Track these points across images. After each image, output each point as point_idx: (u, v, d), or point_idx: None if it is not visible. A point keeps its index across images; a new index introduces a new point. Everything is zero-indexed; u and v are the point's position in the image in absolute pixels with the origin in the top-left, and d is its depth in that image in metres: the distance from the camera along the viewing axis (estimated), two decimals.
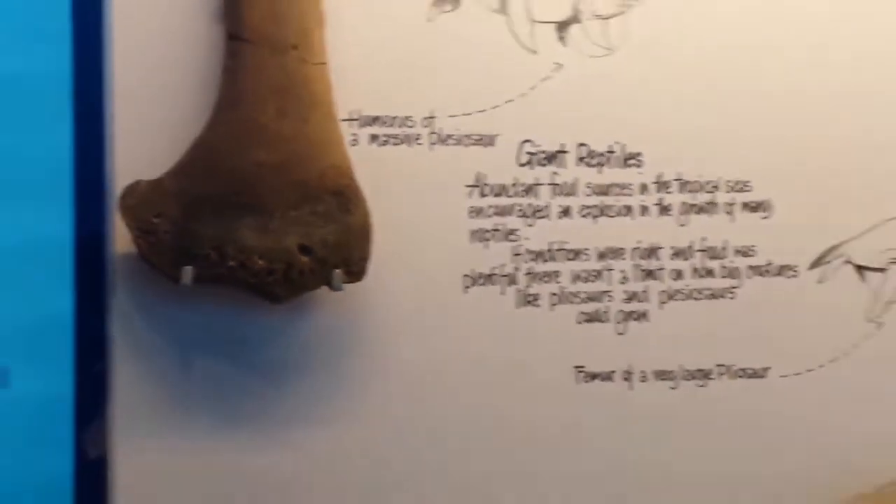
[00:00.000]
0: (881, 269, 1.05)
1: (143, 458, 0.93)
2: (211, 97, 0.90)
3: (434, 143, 0.97)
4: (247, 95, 0.90)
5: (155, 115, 0.92)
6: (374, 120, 0.96)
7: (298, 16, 0.90)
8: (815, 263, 1.05)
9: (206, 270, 0.87)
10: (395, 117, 0.97)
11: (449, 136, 0.98)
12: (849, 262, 1.06)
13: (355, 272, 0.90)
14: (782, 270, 1.05)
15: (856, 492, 1.01)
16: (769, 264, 1.05)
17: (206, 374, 0.94)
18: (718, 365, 1.05)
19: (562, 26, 0.99)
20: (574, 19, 0.99)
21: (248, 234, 0.88)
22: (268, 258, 0.87)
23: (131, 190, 0.86)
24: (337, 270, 0.89)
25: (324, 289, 0.90)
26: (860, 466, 1.03)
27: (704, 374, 1.04)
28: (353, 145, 0.94)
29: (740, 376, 1.05)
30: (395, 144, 0.97)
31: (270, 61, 0.90)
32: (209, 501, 0.95)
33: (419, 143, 0.97)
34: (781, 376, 1.06)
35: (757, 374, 1.05)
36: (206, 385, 0.94)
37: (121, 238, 0.89)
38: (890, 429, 1.05)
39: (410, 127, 0.97)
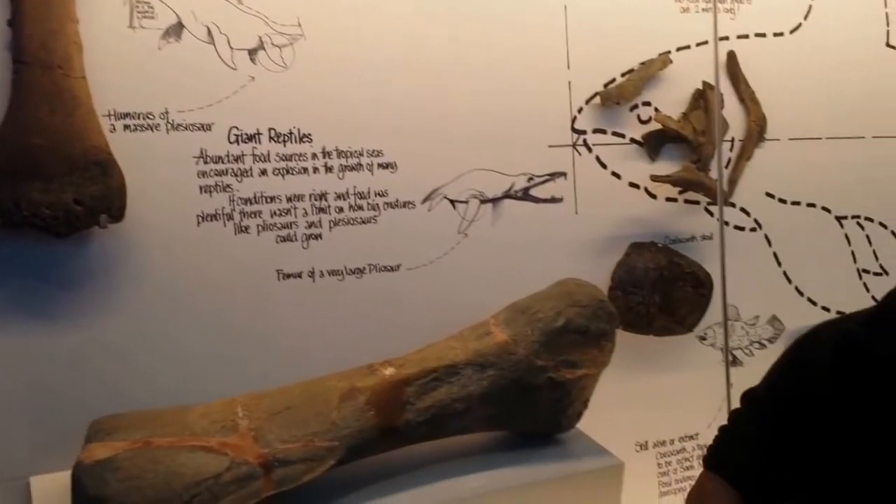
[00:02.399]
0: (465, 201, 1.79)
1: None
2: (5, 103, 1.39)
3: (170, 130, 1.54)
4: (28, 100, 1.39)
5: None
6: (126, 115, 1.51)
7: (62, 45, 1.40)
8: (426, 199, 1.76)
9: (9, 219, 1.39)
10: (140, 113, 1.52)
11: (179, 125, 1.55)
12: (446, 197, 1.78)
13: (116, 216, 1.45)
14: (406, 204, 1.74)
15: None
16: (397, 201, 1.73)
17: (16, 284, 1.47)
18: (369, 264, 1.72)
19: (252, 52, 1.60)
20: (260, 47, 1.60)
21: (36, 194, 1.40)
22: (52, 209, 1.41)
23: None
24: (103, 215, 1.44)
25: (95, 227, 1.45)
26: (454, 323, 1.72)
27: (360, 270, 1.72)
28: (112, 132, 1.48)
29: (382, 270, 1.73)
30: (142, 131, 1.52)
31: (43, 77, 1.39)
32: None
33: (159, 130, 1.53)
34: (408, 269, 1.76)
35: (393, 269, 1.74)
36: (14, 294, 1.46)
37: None
38: (470, 297, 1.75)
39: (151, 119, 1.53)
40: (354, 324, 1.70)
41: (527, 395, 1.49)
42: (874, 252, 2.27)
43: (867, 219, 2.26)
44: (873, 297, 2.27)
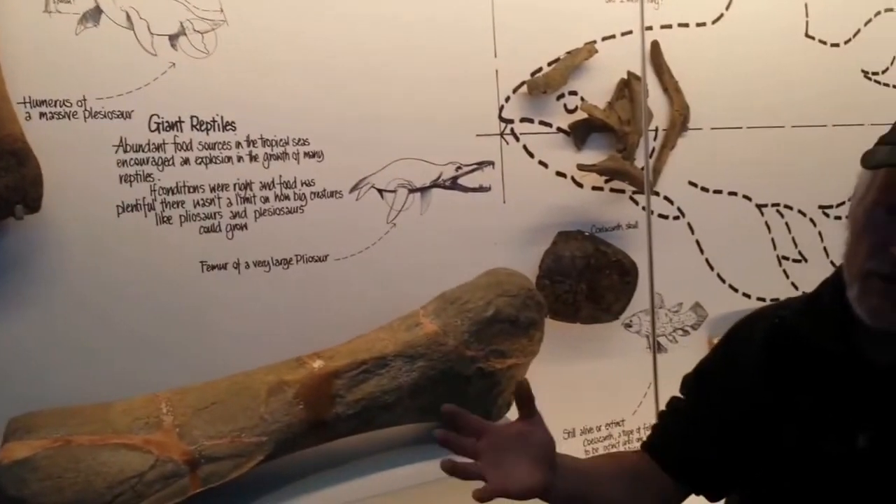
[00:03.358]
0: (393, 191, 1.82)
1: None
2: None
3: (88, 118, 1.53)
4: None
5: None
6: (42, 102, 1.49)
7: None
8: (353, 188, 1.79)
9: None
10: (56, 100, 1.50)
11: (98, 113, 1.54)
12: (374, 187, 1.81)
13: (32, 207, 1.43)
14: (333, 194, 1.77)
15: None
16: (324, 190, 1.75)
17: None
18: (296, 254, 1.74)
19: (173, 38, 1.59)
20: (181, 32, 1.60)
21: None
22: None
23: None
24: (18, 206, 1.42)
25: (10, 219, 1.43)
26: (384, 314, 1.76)
27: (287, 261, 1.73)
28: (28, 120, 1.47)
29: (310, 261, 1.75)
30: (59, 119, 1.51)
31: None
32: None
33: (76, 118, 1.52)
34: (336, 260, 1.78)
35: (321, 259, 1.76)
36: None
37: None
38: (400, 288, 1.80)
39: (69, 107, 1.51)
40: (282, 316, 1.71)
41: (457, 385, 1.54)
42: (793, 239, 2.39)
43: (787, 206, 2.37)
44: (793, 284, 2.39)
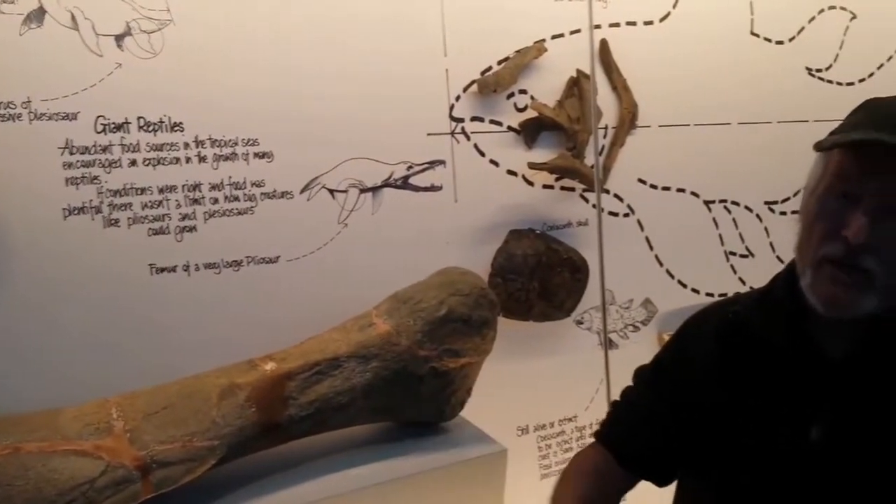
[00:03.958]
0: (344, 191, 1.84)
1: None
2: None
3: (32, 120, 1.52)
4: None
5: None
6: None
7: None
8: (304, 189, 1.80)
9: None
10: (0, 102, 1.49)
11: (43, 114, 1.53)
12: (325, 187, 1.83)
13: None
14: (283, 194, 1.78)
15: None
16: (275, 191, 1.77)
17: None
18: (247, 256, 1.75)
19: (119, 38, 1.59)
20: (127, 33, 1.60)
21: None
22: None
23: None
24: None
25: None
26: (337, 314, 1.78)
27: (238, 263, 1.74)
28: None
29: (261, 262, 1.77)
30: (3, 121, 1.50)
31: None
32: None
33: (21, 120, 1.51)
34: (288, 260, 1.80)
35: (272, 261, 1.78)
36: None
37: None
38: (352, 288, 1.83)
39: (13, 108, 1.51)
40: (233, 318, 1.73)
41: (410, 385, 1.57)
42: (740, 235, 2.46)
43: (734, 203, 2.45)
44: (741, 279, 2.47)
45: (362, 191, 1.83)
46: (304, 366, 1.48)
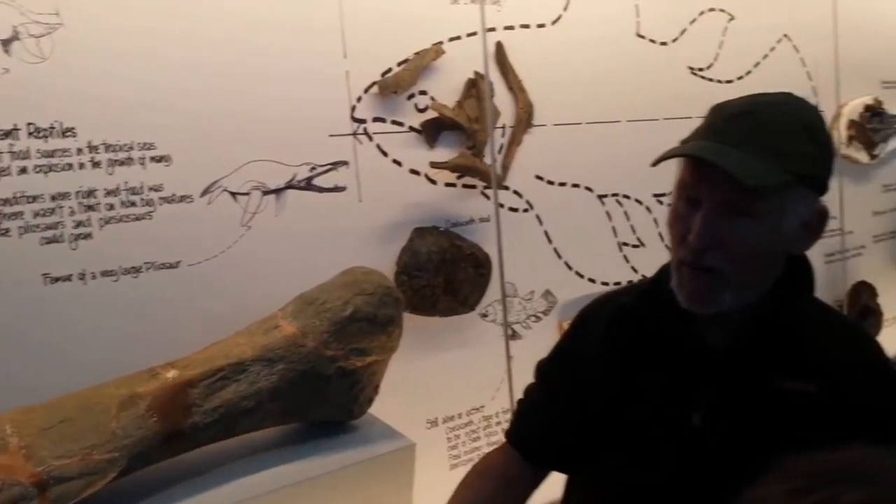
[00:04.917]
0: (246, 193, 1.76)
1: None
2: None
3: None
4: None
5: None
6: None
7: None
8: (205, 192, 1.71)
9: None
10: None
11: None
12: (226, 190, 1.74)
13: None
14: (183, 198, 1.69)
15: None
16: (173, 195, 1.67)
17: None
18: (146, 262, 1.65)
19: (6, 42, 1.47)
20: (14, 37, 1.48)
21: None
22: None
23: None
24: None
25: None
26: (241, 318, 1.70)
27: (137, 269, 1.64)
28: None
29: (161, 268, 1.67)
30: None
31: None
32: None
33: None
34: (189, 265, 1.71)
35: (172, 266, 1.68)
36: None
37: None
38: (257, 291, 1.75)
39: None
40: (133, 326, 1.63)
41: (318, 386, 1.50)
42: (632, 226, 2.48)
43: (625, 196, 2.46)
44: (633, 268, 2.49)
45: (265, 193, 1.75)
46: (208, 372, 1.40)
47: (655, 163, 1.04)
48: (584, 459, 1.23)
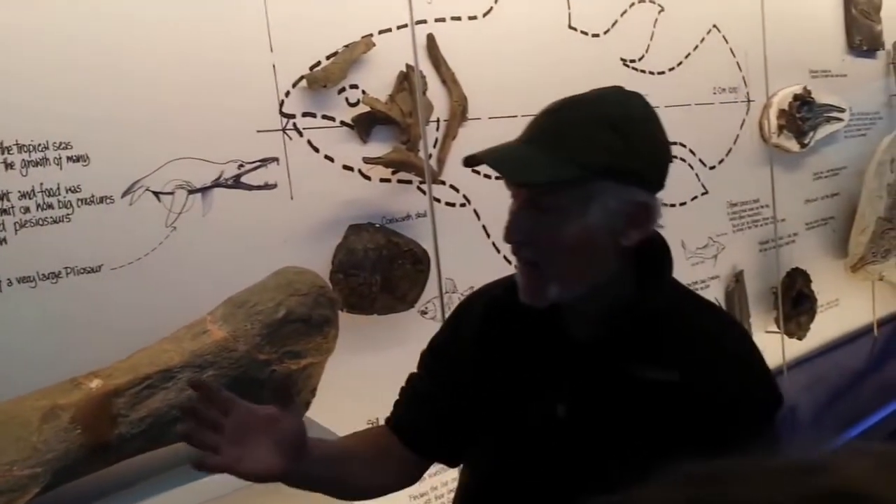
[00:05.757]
0: (171, 193, 1.70)
1: None
2: None
3: None
4: None
5: None
6: None
7: None
8: (126, 192, 1.65)
9: None
10: None
11: None
12: (149, 189, 1.68)
13: None
14: (103, 199, 1.62)
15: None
16: (93, 196, 1.61)
17: None
18: (65, 267, 1.58)
19: None
20: None
21: None
22: None
23: None
24: None
25: None
26: (168, 324, 1.64)
27: (56, 275, 1.57)
28: None
29: (81, 273, 1.60)
30: None
31: None
32: None
33: None
34: (112, 269, 1.64)
35: (94, 270, 1.62)
36: None
37: None
38: (184, 295, 1.69)
39: None
40: (53, 334, 1.55)
41: (251, 391, 1.46)
42: None
43: None
44: None
45: (190, 192, 1.69)
46: (134, 380, 1.36)
47: (466, 163, 1.09)
48: (462, 450, 1.26)
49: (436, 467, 2.05)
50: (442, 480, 2.18)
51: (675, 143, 2.66)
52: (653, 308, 1.05)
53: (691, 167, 2.90)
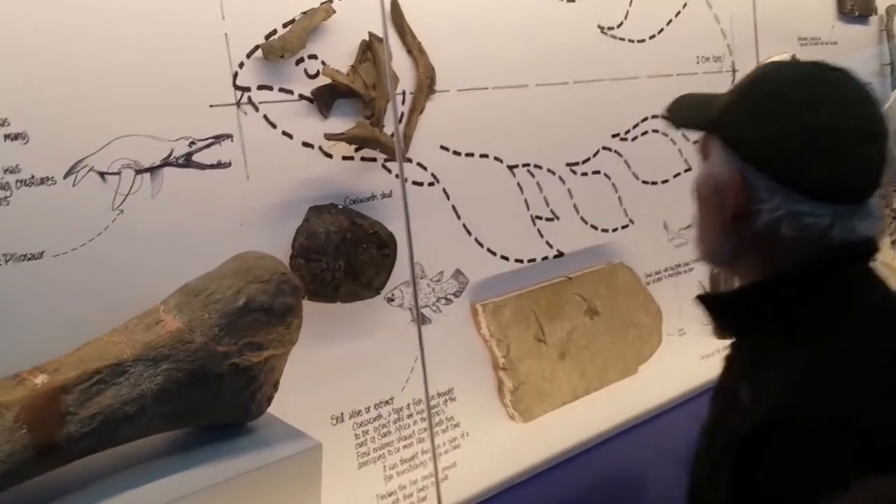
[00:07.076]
0: (117, 173, 1.70)
1: None
2: None
3: None
4: None
5: None
6: None
7: None
8: (69, 173, 1.64)
9: None
10: None
11: None
12: (93, 169, 1.67)
13: None
14: (44, 181, 1.62)
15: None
16: (33, 177, 1.60)
17: None
18: (4, 254, 1.57)
19: None
20: None
21: None
22: None
23: None
24: None
25: None
26: (118, 314, 1.65)
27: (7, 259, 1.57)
28: None
29: (21, 260, 1.59)
30: None
31: None
32: None
33: None
34: (55, 256, 1.64)
35: (35, 257, 1.61)
36: None
37: None
38: (134, 282, 1.69)
39: None
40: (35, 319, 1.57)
41: (209, 385, 1.48)
42: (545, 199, 2.52)
43: (536, 166, 2.50)
44: (547, 243, 2.53)
45: (138, 171, 1.70)
46: (82, 375, 1.36)
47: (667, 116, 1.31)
48: None
49: (403, 465, 2.09)
50: (411, 479, 2.21)
51: (655, 117, 2.71)
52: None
53: (674, 142, 2.94)
